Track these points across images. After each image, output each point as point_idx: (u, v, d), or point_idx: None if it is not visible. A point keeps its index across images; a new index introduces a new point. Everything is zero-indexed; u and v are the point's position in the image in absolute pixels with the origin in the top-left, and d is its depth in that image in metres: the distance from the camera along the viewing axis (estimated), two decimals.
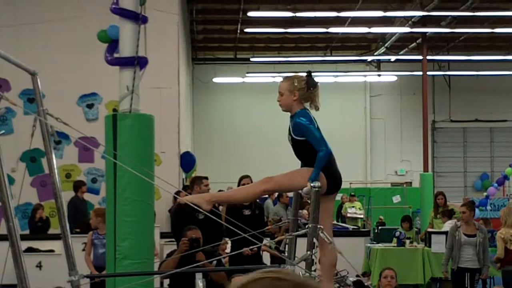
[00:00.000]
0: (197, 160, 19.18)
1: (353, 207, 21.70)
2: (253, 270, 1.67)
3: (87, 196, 15.41)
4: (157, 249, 11.45)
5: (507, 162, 23.70)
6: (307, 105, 4.85)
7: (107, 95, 16.34)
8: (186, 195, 8.24)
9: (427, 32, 22.04)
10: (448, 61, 28.22)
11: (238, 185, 9.37)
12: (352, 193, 22.89)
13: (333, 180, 4.73)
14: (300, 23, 21.76)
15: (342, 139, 27.69)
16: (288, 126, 4.83)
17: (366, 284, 10.19)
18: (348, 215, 21.41)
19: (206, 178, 9.43)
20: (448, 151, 29.99)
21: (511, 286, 11.04)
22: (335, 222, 18.01)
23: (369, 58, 27.56)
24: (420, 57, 22.52)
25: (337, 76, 28.35)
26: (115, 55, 6.13)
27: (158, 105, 15.10)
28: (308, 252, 4.21)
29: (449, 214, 14.07)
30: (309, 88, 4.77)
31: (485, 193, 21.48)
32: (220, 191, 21.49)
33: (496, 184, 21.69)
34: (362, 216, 21.76)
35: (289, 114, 4.81)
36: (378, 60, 27.93)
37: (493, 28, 21.41)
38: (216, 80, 28.53)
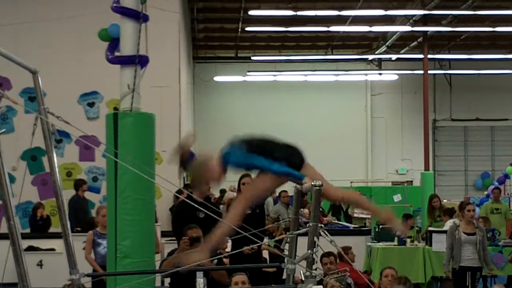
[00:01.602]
0: None
1: None
2: (254, 268, 1.67)
3: (88, 195, 15.40)
4: (159, 245, 11.44)
5: (508, 161, 23.72)
6: None
7: (108, 94, 16.35)
8: (188, 193, 8.23)
9: (428, 31, 22.03)
10: (449, 59, 28.21)
11: (239, 184, 9.36)
12: (362, 193, 22.44)
13: (292, 158, 4.76)
14: (301, 21, 21.76)
15: (343, 138, 27.73)
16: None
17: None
18: (355, 215, 20.75)
19: None
20: (449, 150, 29.99)
21: None
22: (341, 222, 17.88)
23: (370, 57, 27.55)
24: (421, 56, 22.52)
25: (338, 75, 28.33)
26: (116, 54, 6.13)
27: (159, 103, 15.10)
28: (309, 251, 4.21)
29: (450, 213, 14.06)
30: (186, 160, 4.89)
31: (486, 192, 21.50)
32: (222, 190, 21.49)
33: (497, 183, 21.68)
34: (369, 216, 21.22)
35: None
36: (379, 58, 27.92)
37: (494, 27, 21.40)
38: (217, 78, 28.53)
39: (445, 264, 11.10)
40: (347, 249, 11.03)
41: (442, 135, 30.07)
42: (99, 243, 9.61)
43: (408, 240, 13.80)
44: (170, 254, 8.51)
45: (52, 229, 14.58)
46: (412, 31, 22.09)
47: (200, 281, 4.55)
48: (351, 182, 24.89)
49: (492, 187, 19.50)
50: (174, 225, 8.96)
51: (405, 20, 21.41)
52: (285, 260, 4.59)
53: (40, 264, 13.68)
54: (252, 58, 26.22)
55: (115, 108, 13.41)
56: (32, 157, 16.15)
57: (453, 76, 29.12)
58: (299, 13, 20.13)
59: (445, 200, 15.83)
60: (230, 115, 28.63)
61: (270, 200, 20.91)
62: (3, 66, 10.50)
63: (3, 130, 3.60)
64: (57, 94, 14.59)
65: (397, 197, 25.50)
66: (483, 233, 10.91)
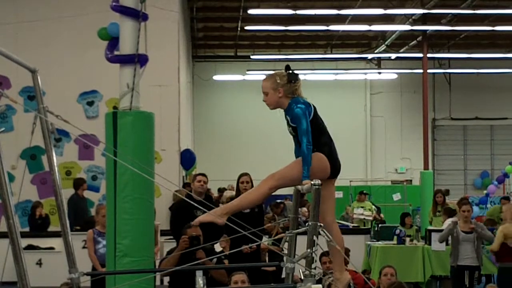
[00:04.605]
0: (197, 157, 19.18)
1: (361, 207, 19.78)
2: (253, 267, 1.67)
3: (87, 194, 15.41)
4: (159, 246, 11.45)
5: (507, 160, 23.71)
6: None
7: (107, 93, 16.35)
8: (188, 192, 8.22)
9: (427, 30, 22.02)
10: (449, 59, 28.22)
11: (237, 183, 9.40)
12: (365, 192, 21.40)
13: (334, 164, 4.77)
14: (300, 20, 21.75)
15: (342, 137, 27.58)
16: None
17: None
18: (354, 216, 19.65)
19: (202, 174, 9.35)
20: (448, 149, 30.01)
21: (505, 283, 10.99)
22: (339, 221, 17.76)
23: (370, 56, 27.54)
24: (421, 55, 22.50)
25: (337, 74, 28.34)
26: (116, 53, 6.12)
27: (158, 102, 15.11)
28: (308, 250, 4.21)
29: (449, 212, 14.07)
30: (290, 82, 4.82)
31: (485, 191, 21.52)
32: (220, 188, 21.51)
33: (496, 182, 21.71)
34: (370, 218, 19.54)
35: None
36: (379, 58, 27.91)
37: (493, 26, 21.39)
38: (216, 77, 28.53)
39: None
40: (346, 251, 11.05)
41: (442, 134, 30.08)
42: (99, 242, 9.61)
43: (408, 239, 13.81)
44: (169, 253, 8.52)
45: (51, 228, 14.59)
46: (411, 30, 22.09)
47: (200, 280, 4.56)
48: (350, 181, 24.90)
49: (492, 186, 19.52)
50: (173, 224, 8.97)
51: (404, 19, 21.41)
52: (284, 259, 4.59)
53: (39, 263, 13.68)
54: (252, 57, 26.21)
55: (115, 107, 13.41)
56: (32, 156, 16.15)
57: (453, 75, 29.12)
58: (299, 12, 20.13)
59: None
60: (230, 114, 28.64)
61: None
62: (3, 65, 10.50)
63: (2, 129, 3.60)
64: (57, 93, 14.60)
65: (396, 196, 25.51)
66: (480, 230, 10.91)
